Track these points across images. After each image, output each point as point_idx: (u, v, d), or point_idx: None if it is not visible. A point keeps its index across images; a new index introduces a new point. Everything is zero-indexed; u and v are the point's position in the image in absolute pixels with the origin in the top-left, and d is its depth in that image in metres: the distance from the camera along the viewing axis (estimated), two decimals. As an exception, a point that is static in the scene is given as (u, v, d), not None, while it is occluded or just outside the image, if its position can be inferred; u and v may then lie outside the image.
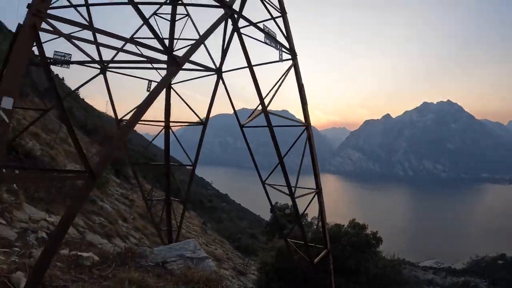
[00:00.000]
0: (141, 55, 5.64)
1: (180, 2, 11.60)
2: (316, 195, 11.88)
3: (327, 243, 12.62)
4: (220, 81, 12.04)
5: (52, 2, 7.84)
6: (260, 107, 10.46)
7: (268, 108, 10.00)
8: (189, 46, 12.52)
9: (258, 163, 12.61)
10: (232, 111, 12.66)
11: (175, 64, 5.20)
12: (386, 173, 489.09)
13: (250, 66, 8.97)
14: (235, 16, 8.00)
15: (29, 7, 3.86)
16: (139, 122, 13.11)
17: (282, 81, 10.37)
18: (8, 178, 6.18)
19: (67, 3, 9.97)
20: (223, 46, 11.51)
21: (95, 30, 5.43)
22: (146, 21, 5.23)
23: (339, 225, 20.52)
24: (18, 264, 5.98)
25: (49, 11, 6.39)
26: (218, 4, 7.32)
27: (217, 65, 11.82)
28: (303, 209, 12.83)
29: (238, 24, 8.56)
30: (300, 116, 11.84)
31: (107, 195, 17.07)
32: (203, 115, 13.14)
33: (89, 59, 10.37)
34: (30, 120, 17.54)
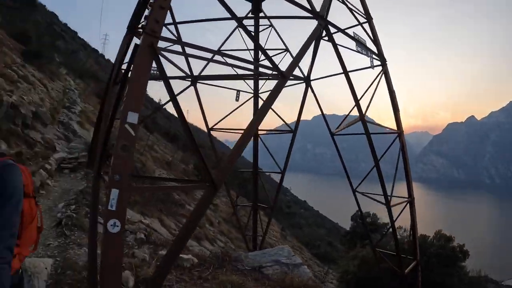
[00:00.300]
0: (244, 68, 5.83)
1: (263, 15, 11.80)
2: (408, 204, 11.49)
3: (417, 254, 12.15)
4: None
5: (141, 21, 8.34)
6: (349, 114, 10.37)
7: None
8: (272, 57, 12.90)
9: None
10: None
11: (281, 77, 5.36)
12: (471, 180, 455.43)
13: (346, 73, 8.89)
14: (328, 26, 7.95)
15: (143, 28, 4.18)
16: (228, 130, 13.67)
17: (376, 88, 10.15)
18: (136, 189, 6.67)
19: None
20: (312, 54, 11.57)
21: (184, 44, 5.70)
22: (252, 37, 5.46)
23: (424, 235, 19.66)
24: (124, 263, 6.44)
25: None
26: (310, 16, 7.33)
27: (305, 74, 11.91)
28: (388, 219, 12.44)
29: (325, 32, 8.52)
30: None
31: (193, 199, 17.77)
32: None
33: (180, 72, 10.81)
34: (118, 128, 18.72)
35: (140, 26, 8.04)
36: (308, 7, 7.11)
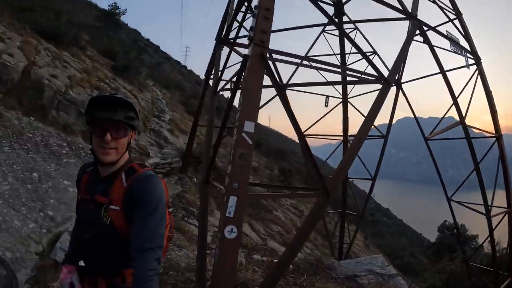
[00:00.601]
0: (332, 72, 5.81)
1: (347, 20, 11.63)
2: (506, 215, 10.64)
3: (514, 270, 11.24)
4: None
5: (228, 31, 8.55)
6: (430, 117, 9.90)
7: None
8: (358, 60, 12.63)
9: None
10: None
11: (385, 83, 5.27)
12: None
13: (444, 74, 8.50)
14: (423, 27, 7.62)
15: (251, 39, 4.29)
16: (317, 136, 13.61)
17: (474, 89, 9.55)
18: (253, 196, 6.92)
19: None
20: (404, 57, 11.18)
21: (271, 51, 5.75)
22: (351, 40, 5.45)
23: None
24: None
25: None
26: (402, 17, 7.13)
27: (396, 77, 11.54)
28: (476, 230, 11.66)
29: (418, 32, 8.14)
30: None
31: (280, 205, 17.85)
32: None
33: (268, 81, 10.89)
34: (205, 135, 19.55)
35: (229, 37, 8.32)
36: (400, 7, 6.92)
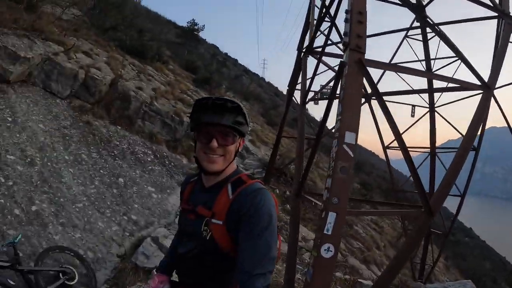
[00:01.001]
0: (452, 80, 5.41)
1: (431, 23, 11.00)
2: None
3: None
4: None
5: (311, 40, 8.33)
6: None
7: None
8: (447, 64, 11.86)
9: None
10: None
11: (486, 89, 4.84)
12: None
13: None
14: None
15: (346, 45, 4.06)
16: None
17: None
18: (353, 213, 6.75)
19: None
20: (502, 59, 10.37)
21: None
22: (450, 44, 5.08)
23: None
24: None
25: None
26: (494, 15, 6.55)
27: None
28: None
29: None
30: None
31: (360, 220, 17.28)
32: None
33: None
34: (286, 146, 19.59)
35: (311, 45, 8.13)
36: (490, 3, 6.36)
